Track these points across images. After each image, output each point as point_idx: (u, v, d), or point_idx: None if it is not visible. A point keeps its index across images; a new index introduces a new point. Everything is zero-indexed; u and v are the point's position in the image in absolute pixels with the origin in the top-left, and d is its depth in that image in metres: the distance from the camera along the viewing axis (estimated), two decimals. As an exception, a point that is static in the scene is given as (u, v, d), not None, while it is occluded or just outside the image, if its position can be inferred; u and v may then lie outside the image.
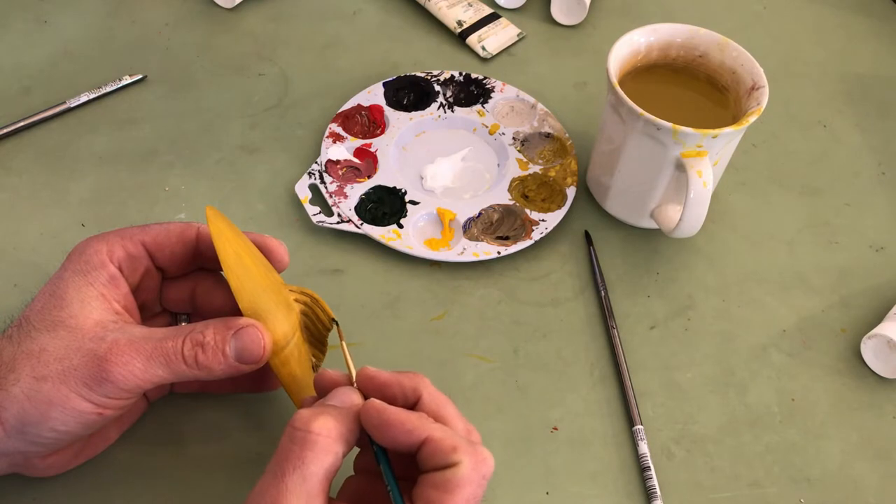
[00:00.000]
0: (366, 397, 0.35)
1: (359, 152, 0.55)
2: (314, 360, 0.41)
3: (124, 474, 0.40)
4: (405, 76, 0.60)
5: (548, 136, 0.57)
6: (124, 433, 0.41)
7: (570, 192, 0.53)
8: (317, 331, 0.41)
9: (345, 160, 0.54)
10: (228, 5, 0.65)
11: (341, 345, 0.38)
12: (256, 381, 0.42)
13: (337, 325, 0.40)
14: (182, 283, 0.41)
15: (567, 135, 0.56)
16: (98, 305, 0.36)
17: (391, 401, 0.34)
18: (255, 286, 0.37)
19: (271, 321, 0.37)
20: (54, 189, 0.52)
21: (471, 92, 0.60)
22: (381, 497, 0.34)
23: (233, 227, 0.39)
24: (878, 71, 0.65)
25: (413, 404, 0.35)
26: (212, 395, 0.43)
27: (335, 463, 0.32)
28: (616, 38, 0.49)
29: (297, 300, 0.39)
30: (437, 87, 0.59)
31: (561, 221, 0.52)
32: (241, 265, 0.37)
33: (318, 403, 0.35)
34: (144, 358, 0.34)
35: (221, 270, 0.41)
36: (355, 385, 0.36)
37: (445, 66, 0.62)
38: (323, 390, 0.36)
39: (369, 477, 0.36)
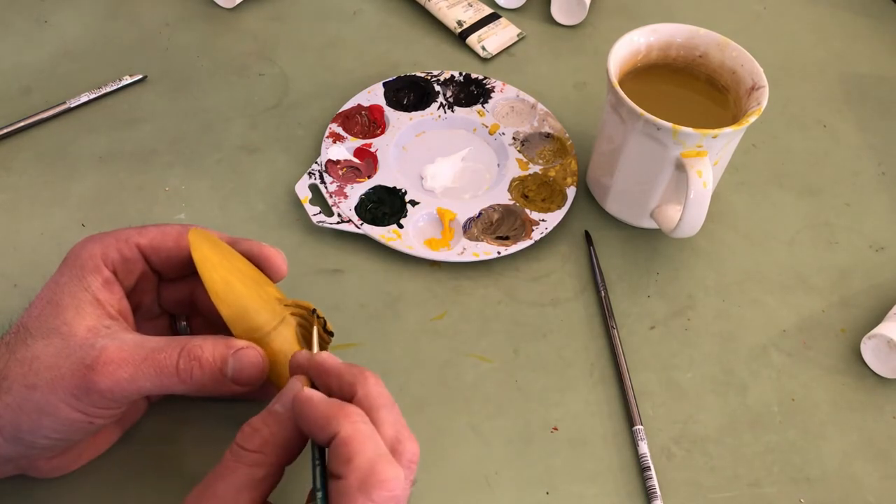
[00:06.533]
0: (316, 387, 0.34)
1: (359, 152, 0.55)
2: None
3: (125, 474, 0.40)
4: (405, 76, 0.60)
5: (548, 136, 0.57)
6: (125, 433, 0.41)
7: (570, 192, 0.53)
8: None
9: (345, 160, 0.54)
10: (228, 5, 0.65)
11: (313, 331, 0.38)
12: (257, 390, 0.41)
13: (316, 316, 0.39)
14: (181, 285, 0.41)
15: (567, 135, 0.56)
16: (92, 311, 0.35)
17: (329, 390, 0.34)
18: (247, 310, 0.36)
19: (267, 343, 0.37)
20: (54, 189, 0.52)
21: (471, 92, 0.60)
22: None
23: (219, 248, 0.38)
24: (878, 71, 0.65)
25: (349, 399, 0.33)
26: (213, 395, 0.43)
27: (269, 473, 0.32)
28: (616, 38, 0.49)
29: (293, 314, 0.39)
30: (437, 87, 0.59)
31: (561, 221, 0.52)
32: (230, 292, 0.36)
33: (269, 405, 0.34)
34: (132, 367, 0.34)
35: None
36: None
37: (445, 66, 0.62)
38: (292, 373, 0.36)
39: None
